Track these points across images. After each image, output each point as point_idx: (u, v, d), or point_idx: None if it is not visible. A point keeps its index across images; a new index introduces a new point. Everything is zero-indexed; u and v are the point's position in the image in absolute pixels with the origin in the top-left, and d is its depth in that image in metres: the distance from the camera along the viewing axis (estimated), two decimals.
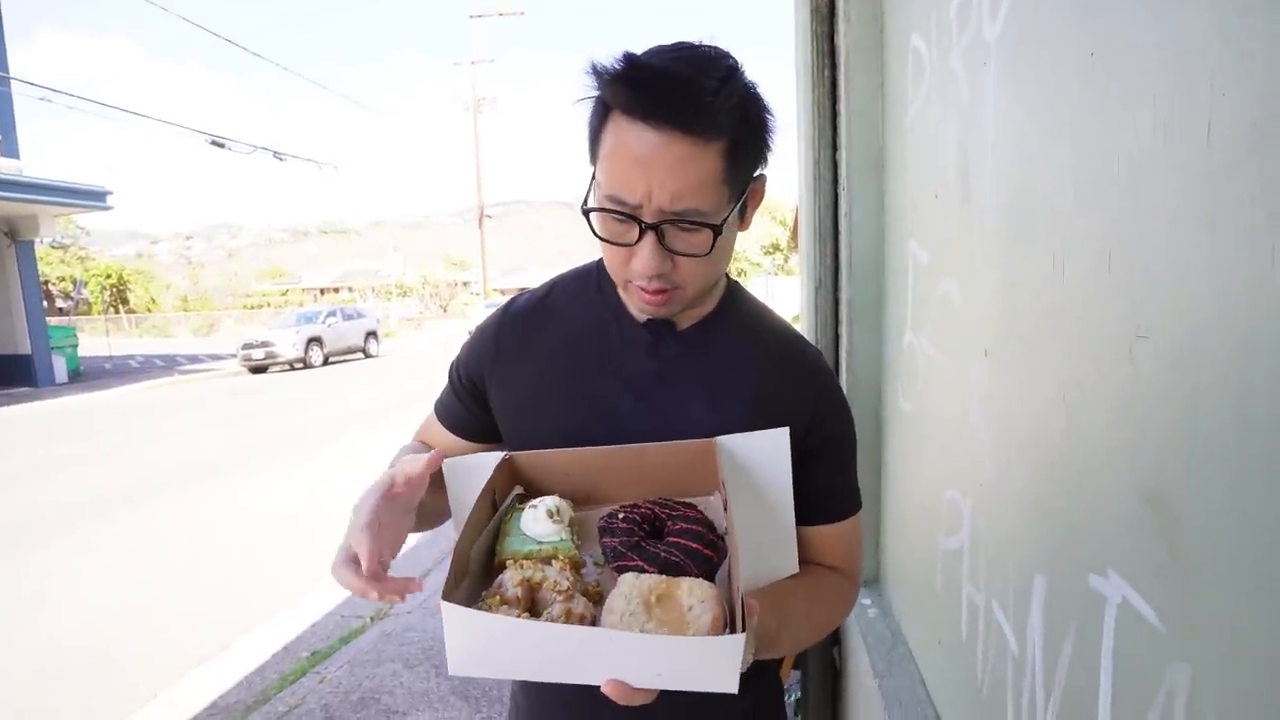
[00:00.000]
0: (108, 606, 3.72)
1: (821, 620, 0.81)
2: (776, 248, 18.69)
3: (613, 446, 0.76)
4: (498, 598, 0.61)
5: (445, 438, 0.91)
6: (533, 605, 0.63)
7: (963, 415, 1.01)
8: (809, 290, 1.72)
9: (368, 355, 18.12)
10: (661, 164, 0.65)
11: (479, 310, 24.79)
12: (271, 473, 6.30)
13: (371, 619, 3.43)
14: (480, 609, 0.59)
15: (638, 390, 0.82)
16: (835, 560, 0.85)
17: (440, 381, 0.96)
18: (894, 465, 1.44)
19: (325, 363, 16.34)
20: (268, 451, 7.21)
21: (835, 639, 1.77)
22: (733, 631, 0.59)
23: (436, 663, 2.94)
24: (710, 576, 0.67)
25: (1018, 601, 0.82)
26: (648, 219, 0.68)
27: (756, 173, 0.74)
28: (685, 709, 0.68)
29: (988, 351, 0.91)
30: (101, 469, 6.73)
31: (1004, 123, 0.83)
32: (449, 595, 0.56)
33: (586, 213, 0.73)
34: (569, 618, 0.59)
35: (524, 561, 0.65)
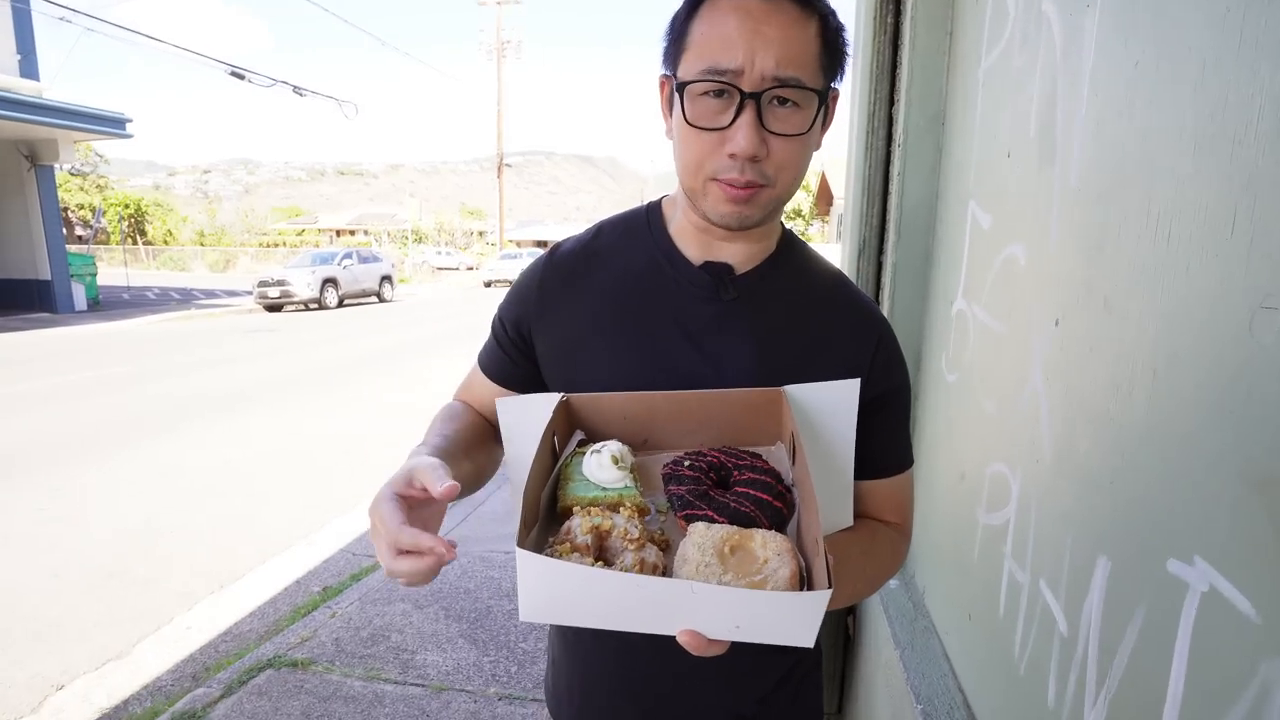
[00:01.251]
0: (129, 529, 3.80)
1: (875, 574, 0.80)
2: (798, 213, 18.38)
3: (676, 391, 0.73)
4: (567, 544, 0.59)
5: (490, 391, 0.88)
6: (601, 552, 0.61)
7: (1019, 387, 0.97)
8: (850, 253, 1.67)
9: (382, 299, 18.15)
10: (768, 26, 0.65)
11: (494, 261, 24.65)
12: (287, 410, 6.36)
13: None
14: (549, 555, 0.57)
15: (694, 336, 0.79)
16: (889, 515, 0.84)
17: (455, 327, 0.93)
18: (930, 436, 1.41)
19: (340, 305, 16.39)
20: (284, 389, 7.28)
21: (850, 607, 1.77)
22: (808, 587, 0.57)
23: (446, 605, 3.00)
24: (780, 528, 0.65)
25: (1072, 582, 0.79)
26: (748, 87, 0.66)
27: (836, 82, 0.72)
28: (731, 662, 0.66)
29: (1059, 320, 0.86)
30: (123, 396, 6.82)
31: (1106, 73, 0.77)
32: (522, 542, 0.54)
33: (680, 88, 0.69)
34: (642, 567, 0.57)
35: (591, 509, 0.62)
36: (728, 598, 0.51)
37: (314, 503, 4.21)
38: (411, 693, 2.41)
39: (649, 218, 0.85)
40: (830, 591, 0.50)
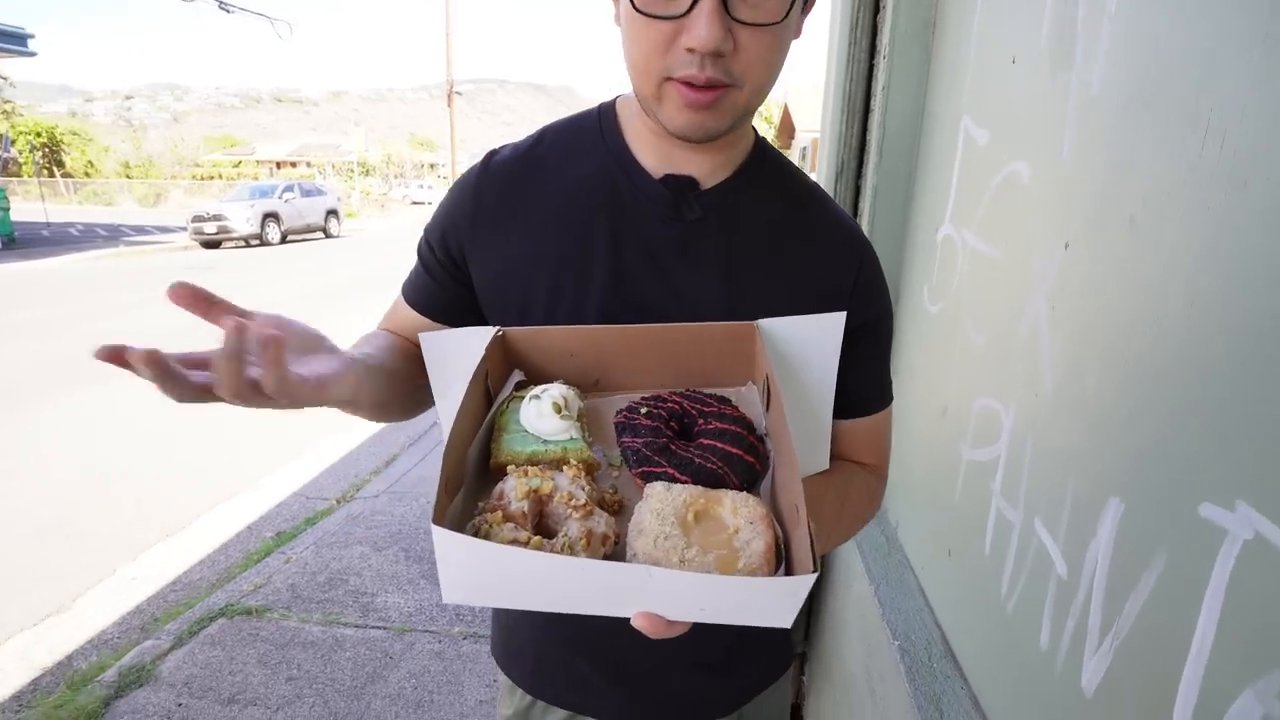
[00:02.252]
0: (69, 479, 3.59)
1: (851, 523, 0.73)
2: None
3: (630, 325, 0.62)
4: (499, 513, 0.48)
5: (416, 325, 0.76)
6: (541, 519, 0.51)
7: (1016, 318, 0.89)
8: (827, 177, 1.55)
9: (329, 235, 17.33)
10: None
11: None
12: None
13: (338, 501, 3.38)
14: (478, 525, 0.47)
15: (654, 259, 0.68)
16: (865, 456, 0.77)
17: (409, 262, 0.79)
18: (908, 371, 1.34)
19: (283, 241, 15.59)
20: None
21: None
22: (785, 558, 0.48)
23: (405, 546, 2.93)
24: (752, 487, 0.55)
25: (1075, 523, 0.73)
26: None
27: None
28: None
29: (1069, 244, 0.77)
30: (52, 341, 6.39)
31: None
32: (441, 516, 0.44)
33: None
34: (590, 541, 0.47)
35: (529, 468, 0.52)
36: (695, 585, 0.42)
37: (264, 447, 4.04)
38: (374, 635, 2.36)
39: (600, 122, 0.72)
40: (815, 575, 0.41)
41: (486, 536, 0.47)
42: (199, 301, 0.47)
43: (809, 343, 0.61)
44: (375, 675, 2.17)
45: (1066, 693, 0.74)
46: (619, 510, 0.54)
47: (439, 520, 0.43)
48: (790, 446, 0.49)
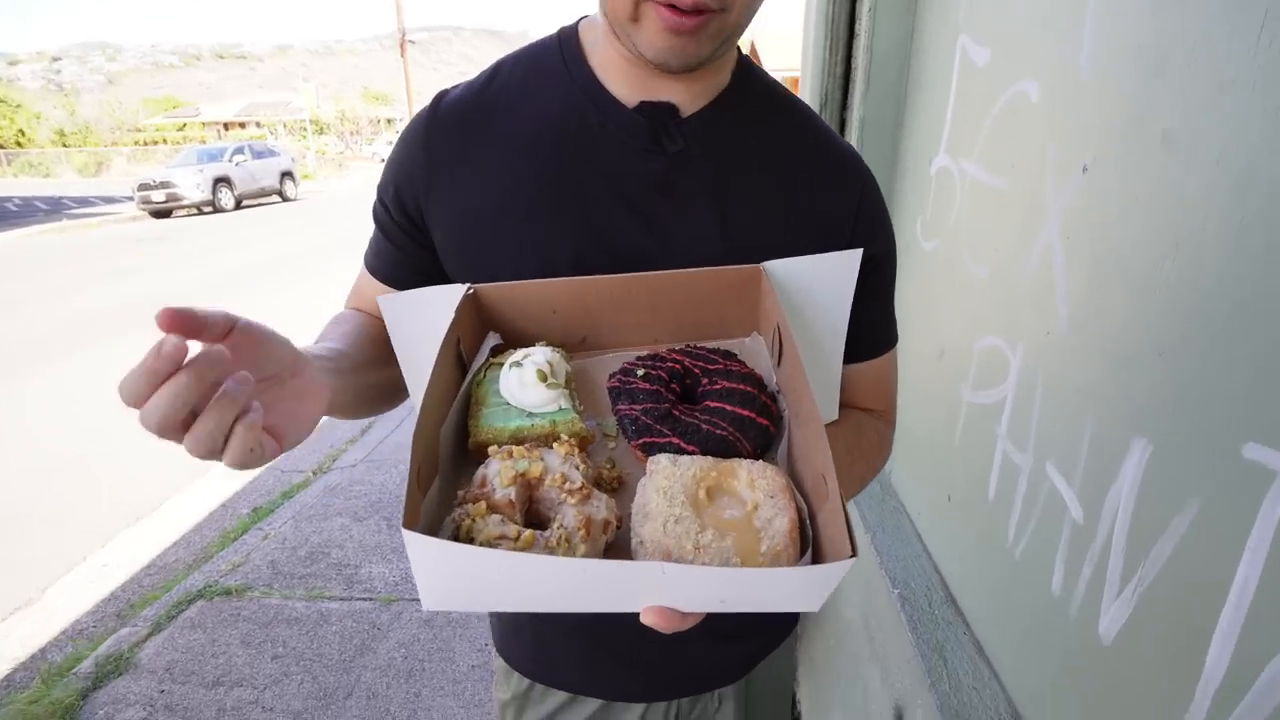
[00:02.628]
0: (25, 468, 3.44)
1: (863, 474, 0.69)
2: None
3: (618, 275, 0.55)
4: (482, 504, 0.42)
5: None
6: (531, 507, 0.44)
7: (1024, 250, 0.83)
8: (811, 108, 1.46)
9: (285, 198, 16.64)
10: None
11: None
12: None
13: (314, 473, 3.30)
14: (459, 519, 0.40)
15: (632, 201, 0.61)
16: (872, 402, 0.73)
17: (371, 224, 0.70)
18: (900, 311, 1.29)
19: (238, 207, 14.94)
20: (186, 303, 6.63)
21: None
22: (811, 535, 0.42)
23: (386, 515, 2.87)
24: (766, 453, 0.50)
25: (1094, 465, 0.69)
26: None
27: None
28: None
29: (1088, 166, 0.71)
30: (3, 324, 6.08)
31: None
32: (414, 515, 0.37)
33: None
34: (589, 530, 0.41)
35: (513, 448, 0.45)
36: (712, 578, 0.36)
37: None
38: (360, 608, 2.32)
39: (562, 50, 0.63)
40: (853, 561, 0.36)
41: (469, 533, 0.41)
42: (187, 327, 0.40)
43: (821, 285, 0.54)
44: (364, 647, 2.14)
45: (1082, 639, 0.71)
46: (618, 487, 0.48)
47: (411, 521, 0.37)
48: (812, 404, 0.43)
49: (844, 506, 0.38)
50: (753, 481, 0.44)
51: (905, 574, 1.14)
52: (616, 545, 0.44)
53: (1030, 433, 0.82)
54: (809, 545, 0.42)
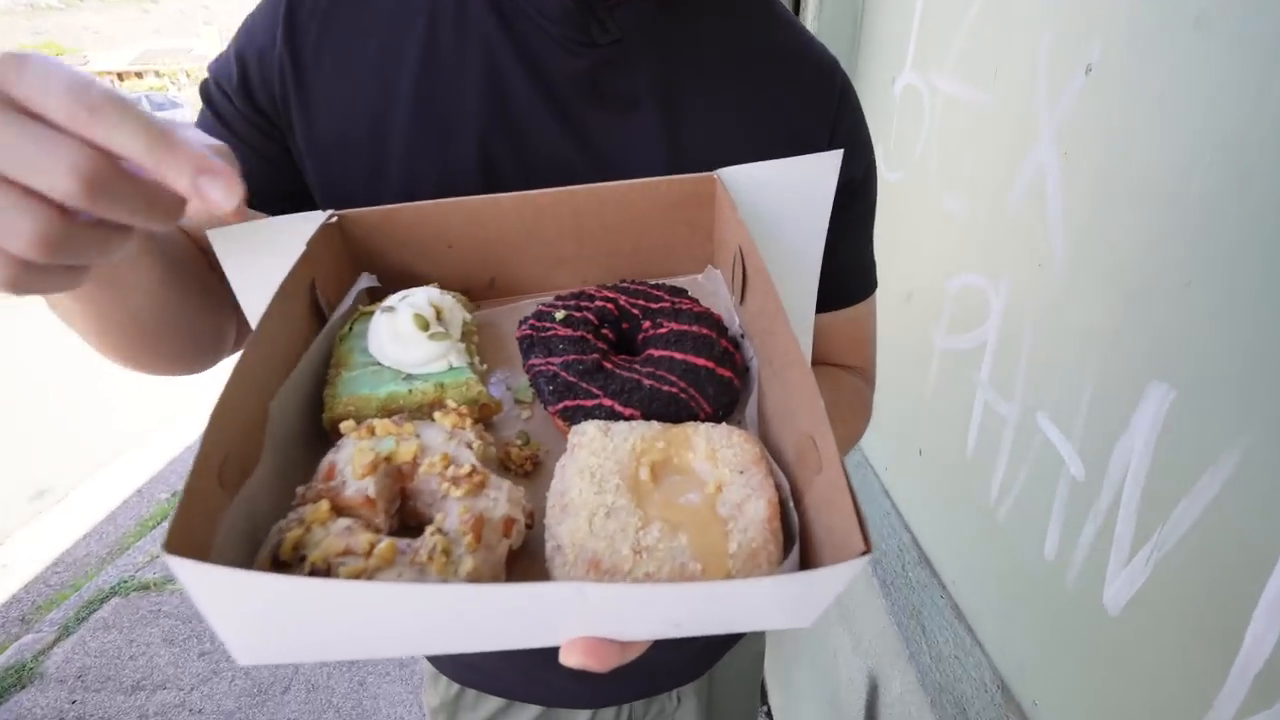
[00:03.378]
0: None
1: (845, 439, 0.59)
2: None
3: (531, 192, 0.42)
4: (324, 505, 0.29)
5: None
6: (405, 503, 0.32)
7: (1010, 173, 0.73)
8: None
9: None
10: None
11: None
12: None
13: None
14: (284, 529, 0.27)
15: (556, 103, 0.48)
16: (848, 357, 0.63)
17: None
18: None
19: None
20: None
21: None
22: (798, 524, 0.31)
23: None
24: (730, 415, 0.38)
25: (1098, 415, 0.61)
26: None
27: None
28: None
29: (1092, 67, 0.60)
30: None
31: None
32: (187, 534, 0.24)
33: None
34: (478, 533, 0.29)
35: (376, 423, 0.32)
36: (657, 598, 0.24)
37: (146, 399, 3.61)
38: None
39: None
40: (866, 559, 0.24)
41: (300, 547, 0.28)
42: None
43: (791, 198, 0.42)
44: None
45: (1082, 608, 0.63)
46: (533, 471, 0.36)
47: (183, 540, 0.23)
48: (792, 345, 0.31)
49: (848, 480, 0.27)
50: (714, 453, 0.32)
51: (874, 535, 1.06)
52: (528, 552, 0.32)
53: (1017, 380, 0.73)
54: (795, 538, 0.30)
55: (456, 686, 0.69)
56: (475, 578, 0.28)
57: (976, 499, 0.81)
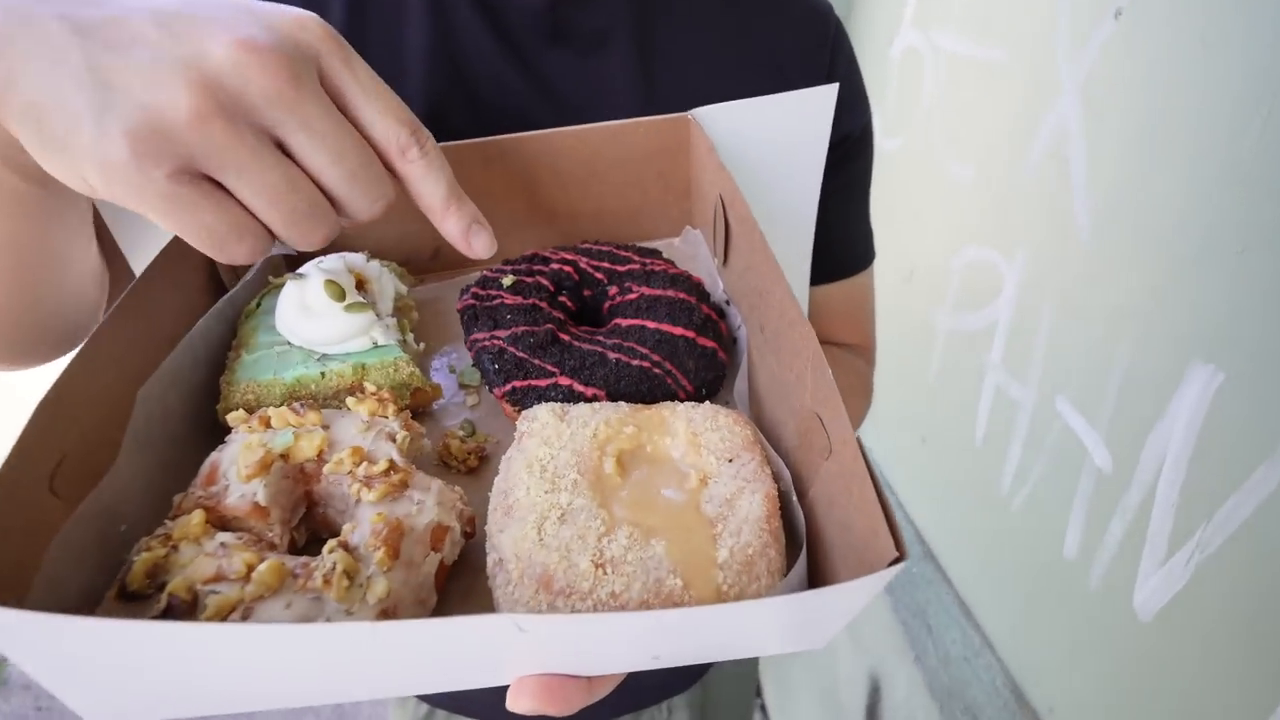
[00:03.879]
0: None
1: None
2: None
3: (475, 140, 0.36)
4: (198, 519, 0.23)
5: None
6: (311, 510, 0.26)
7: (1028, 134, 0.67)
8: None
9: None
10: None
11: None
12: None
13: None
14: (143, 548, 0.21)
15: (514, 43, 0.42)
16: (845, 334, 0.57)
17: None
18: None
19: None
20: None
21: None
22: (801, 526, 0.25)
23: None
24: (714, 394, 0.32)
25: (1129, 400, 0.55)
26: None
27: None
28: None
29: (1121, 11, 0.54)
30: None
31: None
32: (9, 584, 0.18)
33: None
34: (392, 546, 0.22)
35: (271, 412, 0.26)
36: (623, 630, 0.18)
37: None
38: None
39: None
40: (899, 569, 0.18)
41: (160, 574, 0.21)
42: None
43: (780, 142, 0.36)
44: None
45: (1107, 612, 0.58)
46: (478, 467, 0.29)
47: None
48: (790, 305, 0.25)
49: (868, 466, 0.21)
50: (696, 438, 0.26)
51: None
52: (469, 565, 0.26)
53: (1034, 361, 0.67)
54: (802, 540, 0.24)
55: (426, 707, 0.64)
56: (391, 604, 0.22)
57: (987, 490, 0.76)
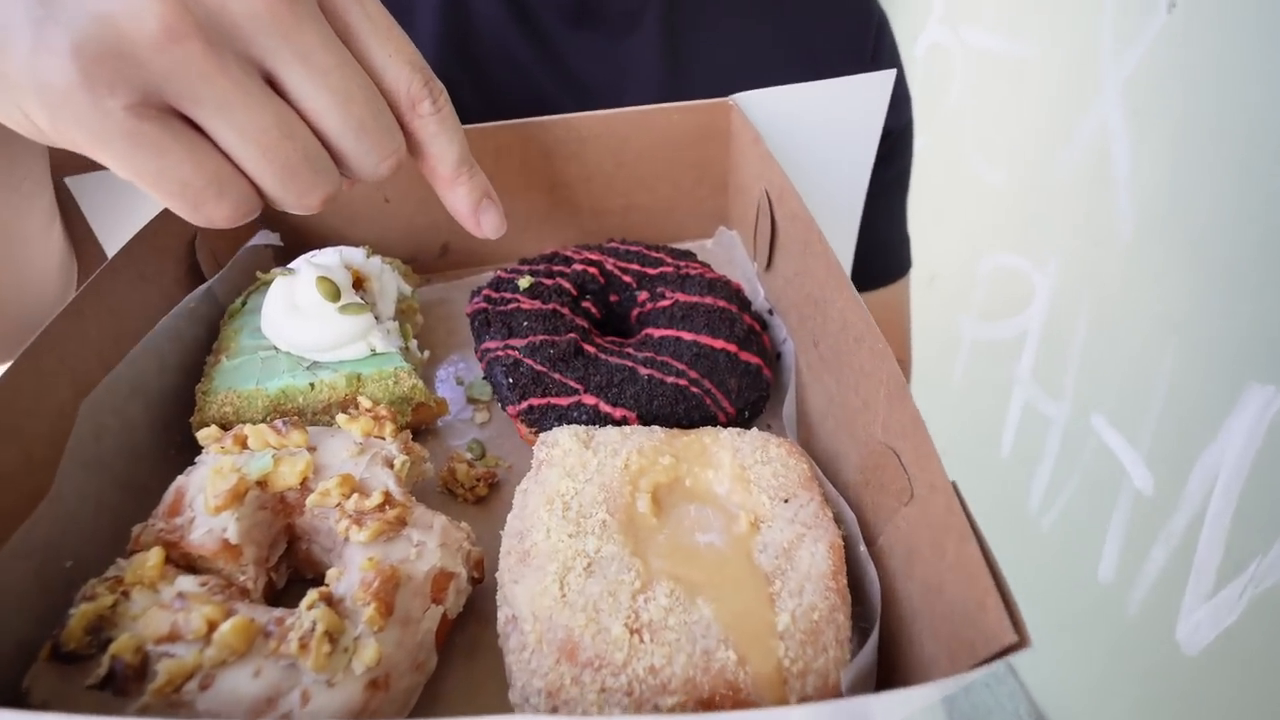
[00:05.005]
0: None
1: None
2: None
3: (488, 124, 0.32)
4: (157, 558, 0.19)
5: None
6: (293, 546, 0.22)
7: (1064, 134, 0.63)
8: None
9: None
10: None
11: None
12: None
13: None
14: (86, 597, 0.18)
15: (534, 25, 0.39)
16: None
17: None
18: None
19: None
20: None
21: None
22: (874, 583, 0.21)
23: None
24: (755, 418, 0.28)
25: (1174, 420, 0.51)
26: None
27: None
28: None
29: (1176, 2, 0.50)
30: None
31: None
32: None
33: None
34: (384, 601, 0.19)
35: (248, 430, 0.22)
36: None
37: None
38: None
39: None
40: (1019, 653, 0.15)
41: (105, 628, 0.18)
42: None
43: (828, 133, 0.32)
44: None
45: (1147, 642, 0.54)
46: (488, 498, 0.26)
47: None
48: (860, 316, 0.22)
49: (969, 519, 0.17)
50: (744, 471, 0.22)
51: None
52: (477, 614, 0.22)
53: (1067, 376, 0.64)
54: (876, 609, 0.21)
55: None
56: (382, 673, 0.18)
57: (1014, 508, 0.72)
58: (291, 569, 0.23)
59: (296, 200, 0.20)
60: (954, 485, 0.18)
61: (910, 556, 0.20)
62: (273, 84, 0.19)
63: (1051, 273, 0.66)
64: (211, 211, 0.19)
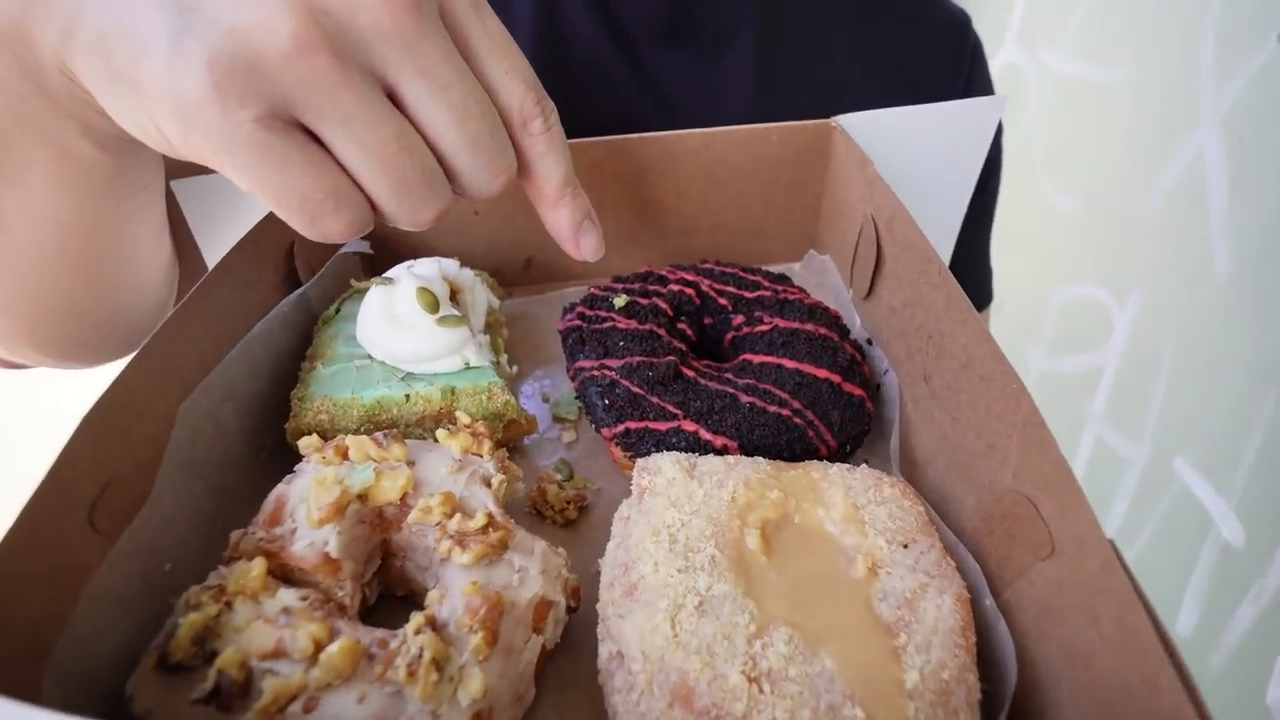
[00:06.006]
0: None
1: None
2: None
3: (582, 139, 0.32)
4: (259, 569, 0.19)
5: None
6: (387, 563, 0.22)
7: (1152, 164, 0.61)
8: None
9: None
10: None
11: None
12: None
13: None
14: (190, 605, 0.17)
15: (628, 44, 0.38)
16: None
17: None
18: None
19: None
20: None
21: None
22: (1007, 638, 0.20)
23: None
24: (854, 452, 0.27)
25: (1266, 469, 0.48)
26: None
27: None
28: None
29: None
30: None
31: None
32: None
33: None
34: (490, 629, 0.18)
35: (350, 441, 0.22)
36: None
37: None
38: None
39: None
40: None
41: (209, 640, 0.17)
42: None
43: (935, 156, 0.31)
44: None
45: (1232, 703, 0.51)
46: (576, 520, 0.25)
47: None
48: (989, 350, 0.22)
49: (1130, 580, 0.16)
50: (858, 511, 0.21)
51: None
52: (569, 647, 0.21)
53: (1148, 416, 0.61)
54: (1009, 671, 0.19)
55: None
56: (486, 706, 0.18)
57: None
58: (382, 584, 0.23)
59: (409, 216, 0.20)
60: (1112, 544, 0.17)
61: (1045, 617, 0.18)
62: (391, 97, 0.18)
63: (1131, 307, 0.63)
64: (327, 225, 0.19)
